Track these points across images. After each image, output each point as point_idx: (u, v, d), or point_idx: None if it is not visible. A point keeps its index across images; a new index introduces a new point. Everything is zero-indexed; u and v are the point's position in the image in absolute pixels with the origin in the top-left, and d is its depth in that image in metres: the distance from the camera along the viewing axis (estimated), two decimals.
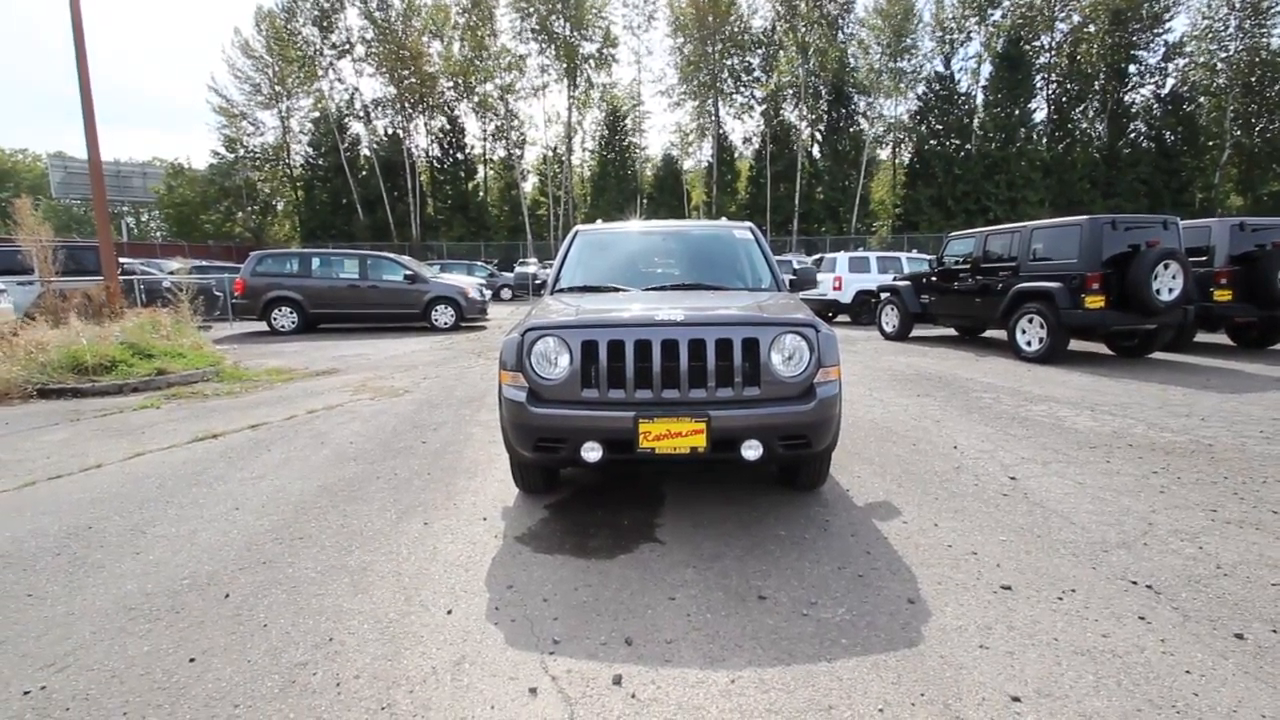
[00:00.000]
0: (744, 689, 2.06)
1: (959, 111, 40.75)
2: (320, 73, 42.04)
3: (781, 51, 41.43)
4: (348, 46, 41.69)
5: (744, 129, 45.07)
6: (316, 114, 43.19)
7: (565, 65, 42.68)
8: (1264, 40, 36.27)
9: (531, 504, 3.69)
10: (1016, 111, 39.70)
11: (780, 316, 3.20)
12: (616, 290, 4.17)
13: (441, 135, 44.66)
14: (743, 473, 4.12)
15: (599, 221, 5.24)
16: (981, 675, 2.09)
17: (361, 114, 43.55)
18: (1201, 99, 38.38)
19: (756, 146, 43.65)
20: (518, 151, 45.56)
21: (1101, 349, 9.81)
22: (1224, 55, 37.47)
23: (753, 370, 3.08)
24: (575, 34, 42.24)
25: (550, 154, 46.28)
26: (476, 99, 43.95)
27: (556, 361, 3.15)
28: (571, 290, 4.25)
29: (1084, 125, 40.91)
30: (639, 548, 3.11)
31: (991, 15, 40.10)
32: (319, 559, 3.02)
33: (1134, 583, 2.68)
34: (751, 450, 3.00)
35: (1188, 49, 38.50)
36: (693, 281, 4.31)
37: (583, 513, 3.55)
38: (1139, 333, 8.82)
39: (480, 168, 46.93)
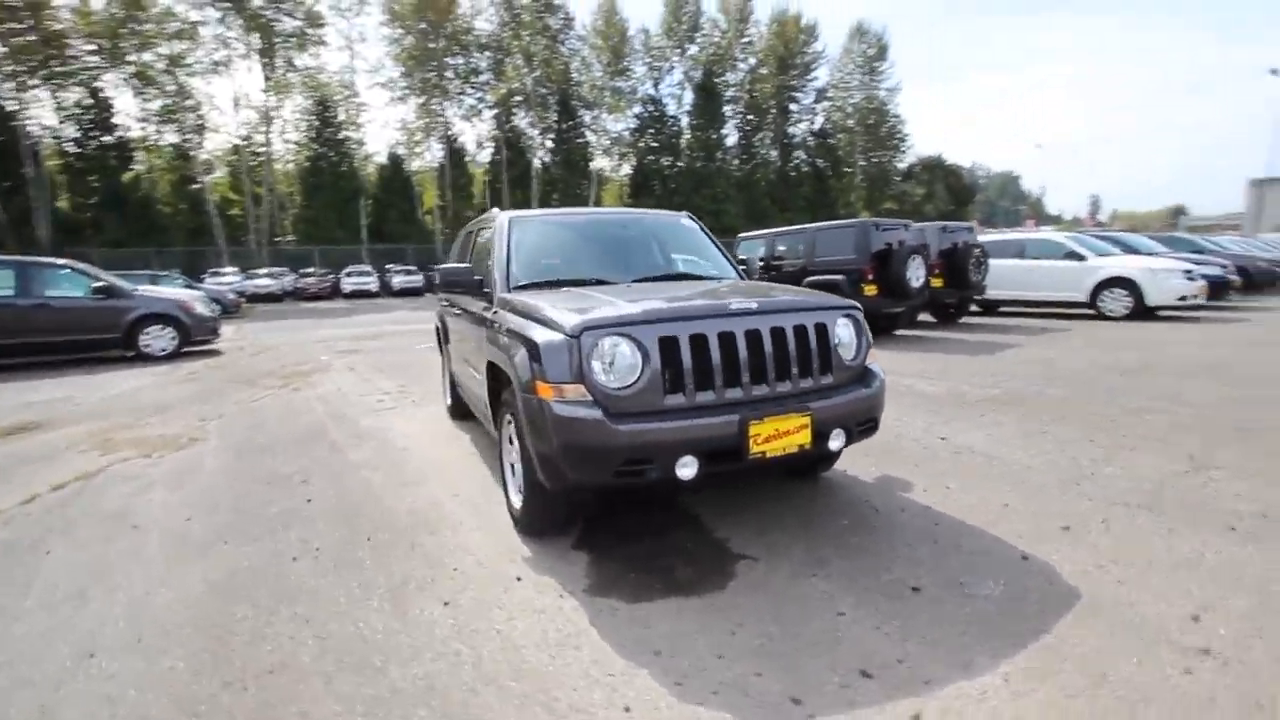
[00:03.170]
0: (1024, 682, 1.91)
1: (670, 132, 45.59)
2: None
3: (508, 58, 41.35)
4: None
5: (476, 132, 43.74)
6: None
7: (259, 42, 36.50)
8: (876, 92, 47.86)
9: (556, 546, 2.99)
10: (714, 135, 45.90)
11: (833, 300, 3.09)
12: (601, 283, 3.61)
13: (80, 112, 34.58)
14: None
15: (516, 211, 4.49)
16: (1152, 599, 2.27)
17: None
18: (840, 134, 49.01)
19: (492, 151, 42.93)
20: (195, 138, 37.60)
21: None
22: (852, 102, 48.42)
23: (827, 357, 2.92)
24: (270, 5, 36.37)
25: (244, 144, 39.17)
26: (132, 69, 35.02)
27: (628, 365, 2.58)
28: (538, 286, 3.54)
29: (763, 150, 49.06)
30: (736, 568, 2.72)
31: (690, 49, 45.59)
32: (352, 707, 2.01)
33: (1126, 504, 3.20)
34: (837, 440, 2.84)
35: (829, 94, 48.83)
36: (676, 271, 3.94)
37: (624, 544, 2.99)
38: (894, 314, 10.81)
39: (141, 155, 37.55)
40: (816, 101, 48.53)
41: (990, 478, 3.67)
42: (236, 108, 44.08)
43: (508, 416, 3.14)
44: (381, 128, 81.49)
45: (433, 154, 42.84)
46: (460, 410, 5.54)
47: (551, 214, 4.21)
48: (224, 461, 4.63)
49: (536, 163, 42.31)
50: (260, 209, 39.06)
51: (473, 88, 42.02)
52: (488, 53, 41.41)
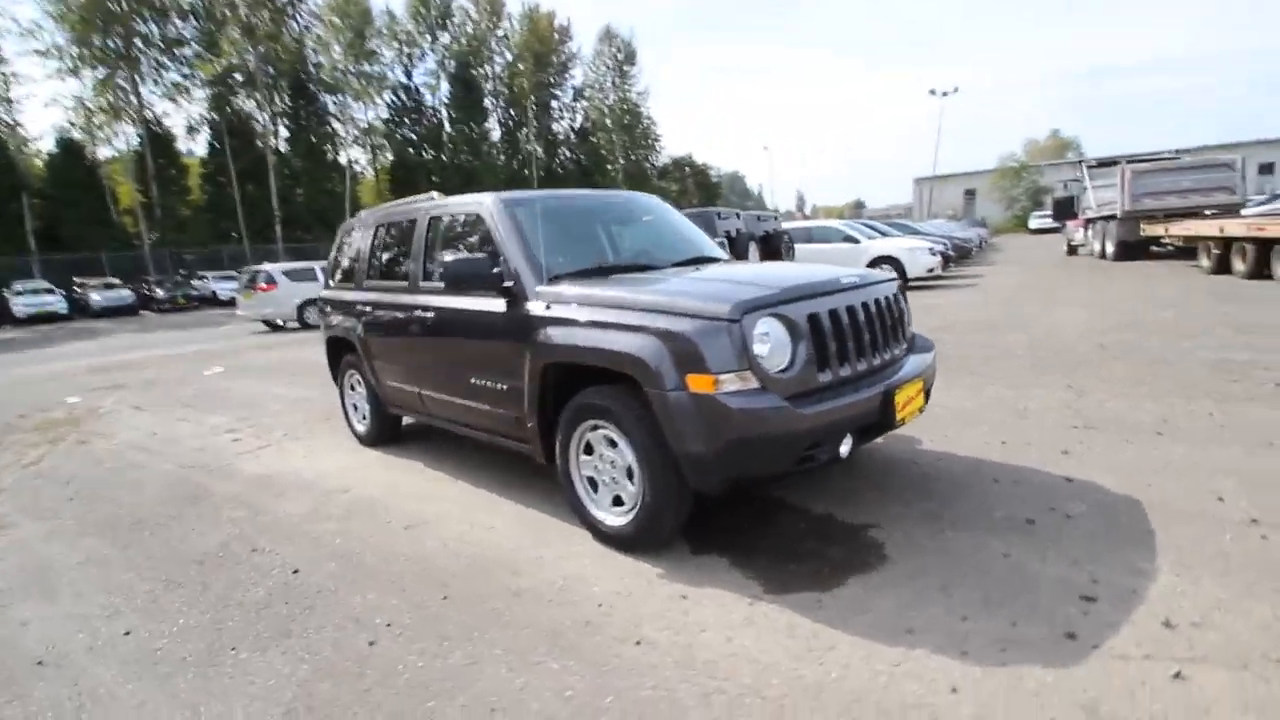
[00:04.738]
0: (1187, 571, 2.28)
1: (430, 124, 43.04)
2: None
3: (222, 29, 34.97)
4: None
5: (186, 115, 36.14)
6: None
7: None
8: (629, 94, 50.63)
9: (675, 555, 2.72)
10: (477, 129, 44.51)
11: (892, 274, 3.27)
12: (647, 269, 3.31)
13: None
14: None
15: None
16: (1183, 494, 2.87)
17: None
18: (600, 133, 50.95)
19: (210, 138, 36.06)
20: None
21: None
22: (607, 103, 50.59)
23: (904, 324, 3.10)
24: None
25: None
26: None
27: (784, 346, 2.46)
28: (577, 277, 3.13)
29: (528, 146, 48.90)
30: (872, 538, 2.76)
31: (442, 37, 43.35)
32: None
33: (1073, 427, 3.96)
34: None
35: (586, 94, 50.38)
36: (704, 254, 3.74)
37: (744, 539, 2.84)
38: None
39: None
40: (575, 100, 49.82)
41: (957, 424, 4.23)
42: None
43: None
44: (46, 106, 63.48)
45: (127, 140, 34.60)
46: (387, 434, 4.68)
47: (549, 196, 3.72)
48: (95, 548, 3.30)
49: (271, 153, 36.62)
50: None
51: (175, 61, 34.75)
52: (193, 20, 34.56)
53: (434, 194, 4.19)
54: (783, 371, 2.43)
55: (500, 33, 45.73)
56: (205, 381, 8.54)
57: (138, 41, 33.12)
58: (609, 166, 51.76)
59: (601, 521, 2.85)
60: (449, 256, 3.12)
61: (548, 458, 3.11)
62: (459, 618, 2.39)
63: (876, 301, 2.85)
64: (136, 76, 33.48)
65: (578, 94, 49.79)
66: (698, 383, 2.35)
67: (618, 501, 2.81)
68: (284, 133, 38.82)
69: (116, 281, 27.50)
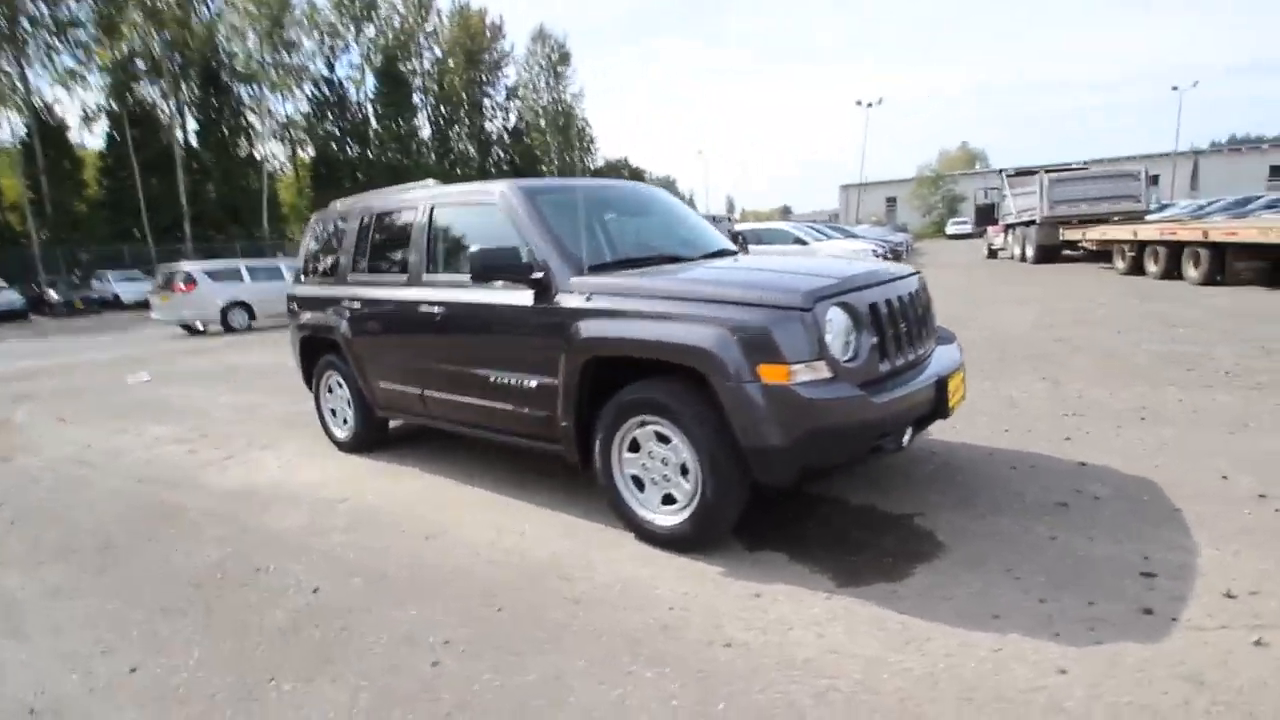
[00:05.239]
0: (1226, 544, 2.41)
1: (355, 119, 41.21)
2: None
3: (121, 12, 32.24)
4: None
5: (81, 103, 33.05)
6: None
7: None
8: (563, 95, 50.22)
9: (732, 554, 2.65)
10: (405, 126, 42.96)
11: (909, 267, 3.32)
12: (675, 260, 3.22)
13: None
14: None
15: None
16: (1192, 473, 3.05)
17: None
18: (534, 134, 50.25)
19: (108, 129, 33.15)
20: None
21: None
22: (541, 103, 49.98)
23: (934, 315, 3.15)
24: None
25: None
26: None
27: (850, 335, 2.44)
28: (611, 268, 3.01)
29: (460, 145, 47.63)
30: (919, 525, 2.78)
31: (367, 30, 41.59)
32: None
33: (1066, 415, 4.16)
34: None
35: (520, 94, 49.57)
36: (722, 249, 3.66)
37: (794, 533, 2.80)
38: None
39: None
40: (508, 99, 48.86)
41: (959, 414, 4.35)
42: None
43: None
44: None
45: (12, 130, 31.31)
46: (373, 439, 4.38)
47: (562, 184, 3.55)
48: (61, 577, 2.90)
49: (179, 146, 34.04)
50: None
51: (67, 44, 31.75)
52: (90, 1, 31.67)
53: (430, 180, 3.95)
54: (850, 361, 2.40)
55: (429, 28, 44.37)
56: (134, 390, 7.79)
57: (24, 22, 30.09)
58: (543, 168, 51.15)
59: (651, 522, 2.73)
60: (476, 246, 2.92)
61: (582, 458, 2.97)
62: (522, 630, 2.23)
63: (912, 294, 2.88)
64: (23, 60, 30.42)
65: (511, 93, 48.90)
66: (771, 373, 2.28)
67: (667, 500, 2.70)
68: (193, 125, 36.19)
69: (2, 284, 24.80)
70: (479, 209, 3.41)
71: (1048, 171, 17.04)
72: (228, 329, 14.39)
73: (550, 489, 3.47)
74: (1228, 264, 9.45)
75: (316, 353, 4.58)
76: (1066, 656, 1.90)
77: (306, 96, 39.79)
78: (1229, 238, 9.33)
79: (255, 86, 37.60)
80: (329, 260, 4.42)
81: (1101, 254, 14.41)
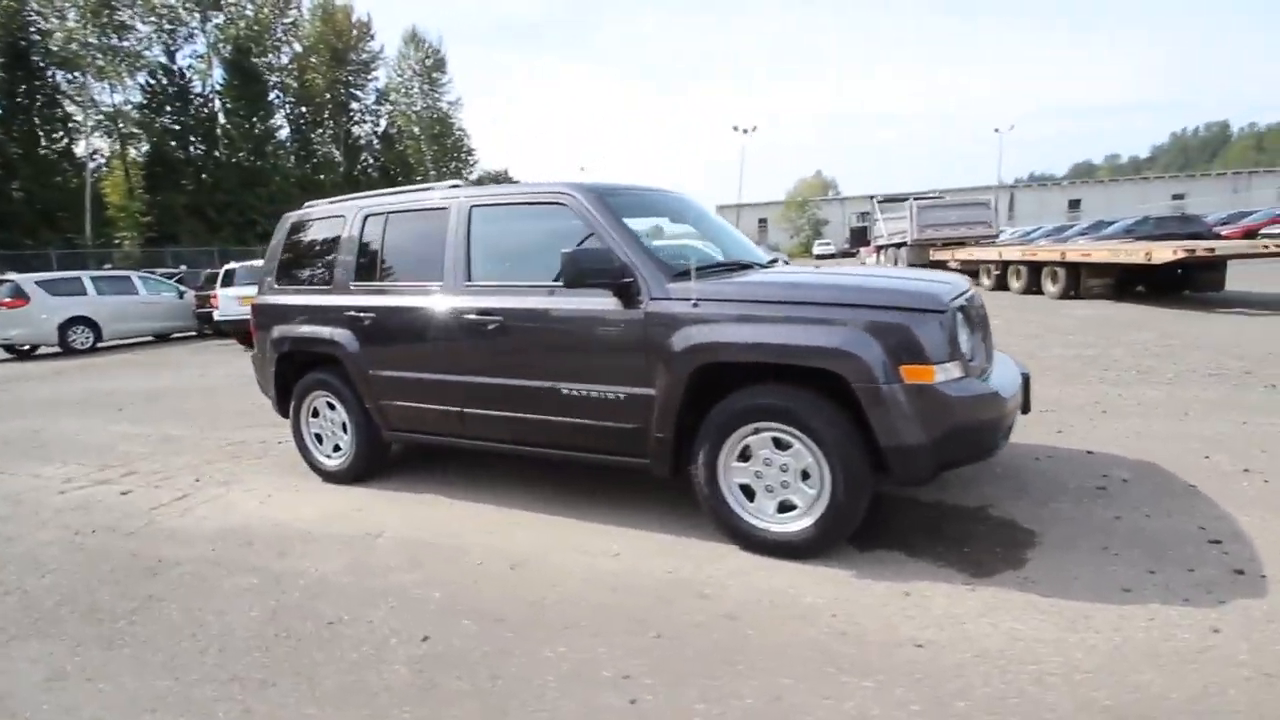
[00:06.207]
0: (1261, 518, 2.82)
1: (200, 114, 37.00)
2: None
3: None
4: None
5: None
6: None
7: None
8: (439, 102, 48.41)
9: (846, 557, 2.67)
10: (259, 124, 39.24)
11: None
12: (745, 267, 3.21)
13: None
14: None
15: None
16: (1193, 460, 3.54)
17: None
18: (408, 141, 47.95)
19: None
20: None
21: None
22: (415, 109, 47.85)
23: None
24: None
25: None
26: None
27: (969, 336, 2.59)
28: (691, 275, 2.95)
29: (324, 149, 44.31)
30: (997, 516, 2.97)
31: (215, 17, 37.61)
32: None
33: (1070, 408, 4.65)
34: None
35: (392, 98, 47.11)
36: (770, 258, 3.68)
37: (894, 533, 2.88)
38: None
39: None
40: (379, 103, 46.23)
41: None
42: None
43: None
44: None
45: None
46: (375, 465, 3.95)
47: (628, 187, 3.39)
48: (55, 656, 2.31)
49: None
50: None
51: None
52: None
53: (457, 182, 3.65)
54: (971, 361, 2.54)
55: (289, 20, 40.98)
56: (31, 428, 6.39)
57: None
58: (418, 177, 48.94)
59: (766, 530, 2.69)
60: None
61: (674, 471, 2.88)
62: (699, 654, 2.10)
63: (981, 301, 3.10)
64: None
65: (382, 97, 46.36)
66: (915, 373, 2.36)
67: (782, 508, 2.68)
68: None
69: None
70: (539, 210, 3.21)
71: (917, 199, 19.07)
72: (66, 350, 12.29)
73: (604, 503, 3.34)
74: (1082, 281, 11.10)
75: (297, 371, 4.05)
76: (1209, 618, 2.12)
77: (140, 86, 35.19)
78: (1084, 258, 10.99)
79: (77, 73, 32.66)
80: (317, 266, 3.94)
81: (968, 272, 16.33)
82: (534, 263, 3.19)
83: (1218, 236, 17.18)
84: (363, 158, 45.80)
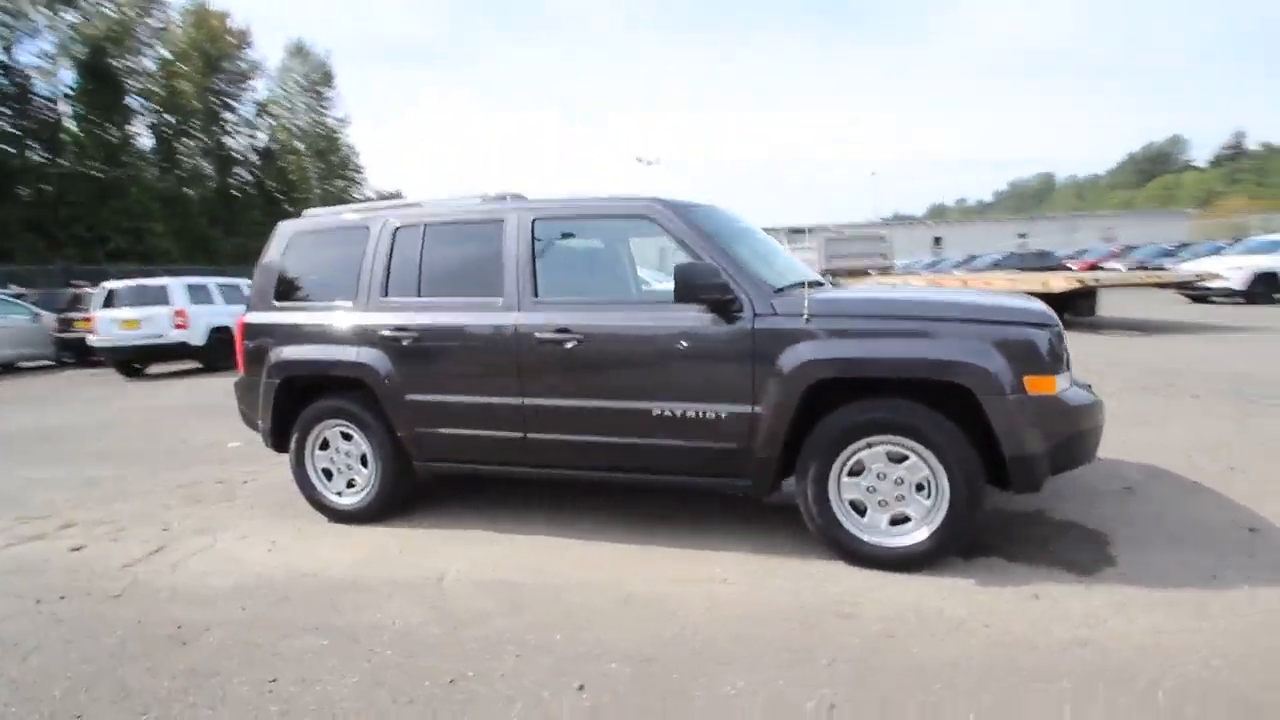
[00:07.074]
0: None
1: (42, 118, 32.58)
2: None
3: None
4: None
5: None
6: None
7: None
8: (325, 118, 45.73)
9: (941, 572, 2.72)
10: (116, 133, 35.16)
11: None
12: (815, 285, 3.22)
13: None
14: None
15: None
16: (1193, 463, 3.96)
17: None
18: (290, 156, 44.79)
19: None
20: None
21: None
22: (298, 124, 44.91)
23: None
24: None
25: None
26: None
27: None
28: (786, 291, 2.94)
29: (192, 161, 40.40)
30: (1058, 518, 3.15)
31: (67, 14, 33.44)
32: None
33: None
34: None
35: (273, 110, 43.91)
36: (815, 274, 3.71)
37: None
38: None
39: None
40: (259, 115, 42.89)
41: None
42: None
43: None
44: None
45: None
46: (399, 501, 3.58)
47: (698, 204, 3.30)
48: None
49: None
50: None
51: None
52: None
53: (505, 192, 3.41)
54: (1071, 371, 2.70)
55: (154, 22, 37.23)
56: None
57: None
58: (298, 196, 45.80)
59: (879, 545, 2.68)
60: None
61: (772, 489, 2.83)
62: (892, 679, 2.03)
63: None
64: None
65: (261, 109, 43.10)
66: (1037, 384, 2.47)
67: (894, 521, 2.69)
68: None
69: None
70: (616, 224, 3.09)
71: (822, 232, 20.43)
72: None
73: (665, 526, 3.27)
74: None
75: (302, 399, 3.58)
76: None
77: None
78: (986, 286, 12.19)
79: None
80: (332, 281, 3.53)
81: None
82: (611, 277, 3.05)
83: (1068, 269, 19.74)
84: (235, 172, 42.19)
